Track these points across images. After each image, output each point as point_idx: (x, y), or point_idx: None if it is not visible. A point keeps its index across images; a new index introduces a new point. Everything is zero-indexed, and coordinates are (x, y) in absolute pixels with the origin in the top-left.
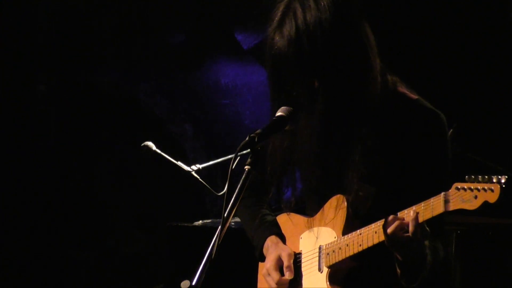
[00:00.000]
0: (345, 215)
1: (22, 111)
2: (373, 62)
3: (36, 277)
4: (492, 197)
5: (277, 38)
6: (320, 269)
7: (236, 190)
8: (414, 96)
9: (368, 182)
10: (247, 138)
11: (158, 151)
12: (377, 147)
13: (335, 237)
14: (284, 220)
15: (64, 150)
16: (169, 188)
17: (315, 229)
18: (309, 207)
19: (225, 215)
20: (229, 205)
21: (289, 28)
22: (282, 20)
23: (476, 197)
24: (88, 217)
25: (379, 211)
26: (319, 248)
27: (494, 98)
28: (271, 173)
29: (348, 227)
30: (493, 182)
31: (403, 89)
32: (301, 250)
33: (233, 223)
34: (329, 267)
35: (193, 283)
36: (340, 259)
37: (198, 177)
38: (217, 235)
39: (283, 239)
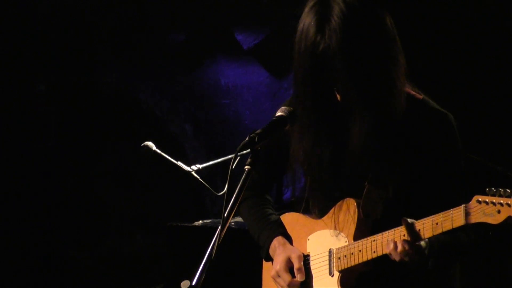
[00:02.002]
0: (356, 220)
1: (22, 111)
2: (401, 59)
3: (36, 277)
4: None
5: (326, 36)
6: (331, 273)
7: (236, 190)
8: (420, 96)
9: (379, 186)
10: (247, 138)
11: (158, 151)
12: (386, 149)
13: (346, 242)
14: (290, 220)
15: (64, 150)
16: (169, 188)
17: (324, 231)
18: (315, 208)
19: (225, 215)
20: (229, 205)
21: (338, 22)
22: (326, 17)
23: (499, 211)
24: (88, 217)
25: (392, 215)
26: (329, 251)
27: (494, 98)
28: (284, 171)
29: (360, 232)
30: None
31: (408, 89)
32: (309, 252)
33: (233, 223)
34: (341, 271)
35: (193, 283)
36: (353, 264)
37: (198, 177)
38: (217, 235)
39: (289, 239)
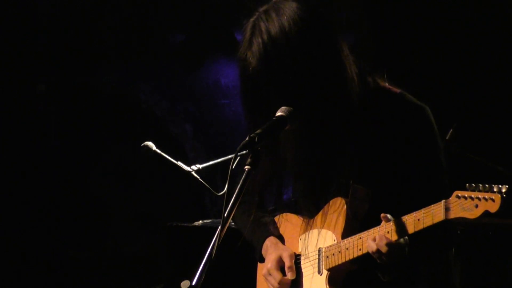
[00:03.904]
0: (344, 219)
1: (22, 111)
2: (346, 66)
3: (36, 277)
4: (493, 207)
5: (249, 58)
6: (319, 272)
7: (236, 190)
8: (397, 90)
9: (363, 184)
10: (247, 138)
11: (158, 151)
12: (367, 147)
13: (334, 240)
14: (283, 220)
15: (64, 150)
16: (169, 188)
17: (315, 231)
18: (306, 208)
19: (225, 215)
20: (229, 205)
21: (257, 47)
22: (250, 40)
23: (477, 206)
24: (88, 217)
25: (378, 213)
26: (319, 250)
27: (494, 98)
28: (265, 178)
29: (348, 230)
30: (494, 192)
31: (384, 84)
32: (300, 251)
33: (233, 223)
34: (329, 269)
35: (193, 283)
36: (340, 262)
37: (198, 177)
38: (217, 235)
39: (282, 239)
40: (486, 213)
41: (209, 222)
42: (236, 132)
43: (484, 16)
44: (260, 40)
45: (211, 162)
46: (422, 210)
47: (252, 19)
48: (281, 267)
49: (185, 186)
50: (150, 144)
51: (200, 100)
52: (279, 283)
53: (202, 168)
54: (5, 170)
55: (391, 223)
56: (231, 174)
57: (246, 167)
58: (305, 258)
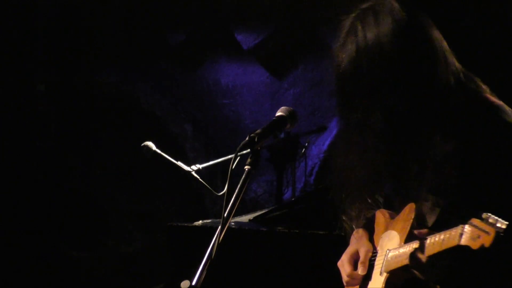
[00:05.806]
0: (409, 226)
1: (22, 111)
2: (442, 72)
3: (36, 277)
4: (488, 241)
5: (341, 57)
6: (381, 273)
7: (236, 190)
8: (497, 101)
9: (437, 194)
10: (247, 138)
11: (158, 151)
12: (449, 157)
13: (397, 245)
14: (379, 215)
15: (63, 150)
16: (169, 188)
17: (391, 231)
18: (394, 208)
19: (225, 215)
20: (229, 205)
21: (350, 48)
22: (345, 39)
23: (479, 236)
24: (88, 217)
25: (444, 224)
26: (387, 251)
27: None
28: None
29: (411, 238)
30: (495, 226)
31: (486, 91)
32: (378, 249)
33: (233, 223)
34: (388, 272)
35: (193, 283)
36: (392, 268)
37: (198, 177)
38: (217, 235)
39: (371, 233)
40: (483, 247)
41: (209, 222)
42: (236, 132)
43: (485, 15)
44: (354, 44)
45: (211, 162)
46: (448, 231)
47: (351, 16)
48: (355, 260)
49: (185, 186)
50: (150, 144)
51: (200, 100)
52: (348, 276)
53: (202, 168)
54: (5, 170)
55: (418, 242)
56: (231, 174)
57: (246, 167)
58: (378, 256)
